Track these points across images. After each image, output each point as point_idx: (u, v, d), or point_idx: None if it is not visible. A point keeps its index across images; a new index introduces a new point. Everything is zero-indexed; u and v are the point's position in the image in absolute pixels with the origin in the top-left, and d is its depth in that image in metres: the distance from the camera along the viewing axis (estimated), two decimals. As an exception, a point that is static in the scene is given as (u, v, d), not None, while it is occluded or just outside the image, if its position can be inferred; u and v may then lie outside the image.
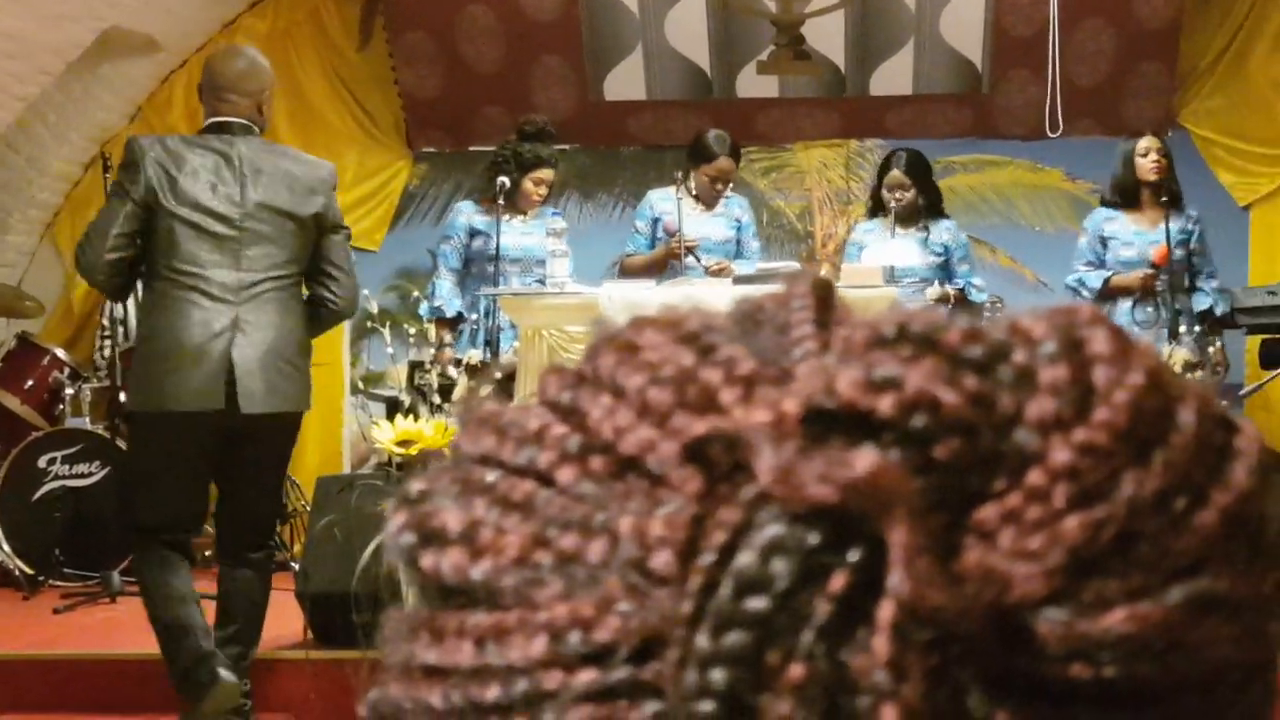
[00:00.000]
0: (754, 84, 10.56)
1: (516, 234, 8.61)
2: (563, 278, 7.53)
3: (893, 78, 10.59)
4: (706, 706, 0.50)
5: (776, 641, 0.50)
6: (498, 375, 7.11)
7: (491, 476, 0.61)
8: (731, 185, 9.19)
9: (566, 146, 10.77)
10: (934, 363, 0.54)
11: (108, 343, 9.47)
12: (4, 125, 9.33)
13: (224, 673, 5.60)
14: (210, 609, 5.94)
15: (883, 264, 8.05)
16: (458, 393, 7.87)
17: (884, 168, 9.15)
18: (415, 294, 10.10)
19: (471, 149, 10.64)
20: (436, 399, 7.87)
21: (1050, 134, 8.86)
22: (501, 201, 8.46)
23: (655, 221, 9.01)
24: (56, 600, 7.88)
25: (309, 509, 7.81)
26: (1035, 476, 0.53)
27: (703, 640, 0.51)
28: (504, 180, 8.48)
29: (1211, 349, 8.40)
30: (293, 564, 8.19)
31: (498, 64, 10.57)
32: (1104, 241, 8.73)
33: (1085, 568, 0.53)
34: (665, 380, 0.58)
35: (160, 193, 5.79)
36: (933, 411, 0.53)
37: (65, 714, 6.19)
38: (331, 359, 10.44)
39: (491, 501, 0.60)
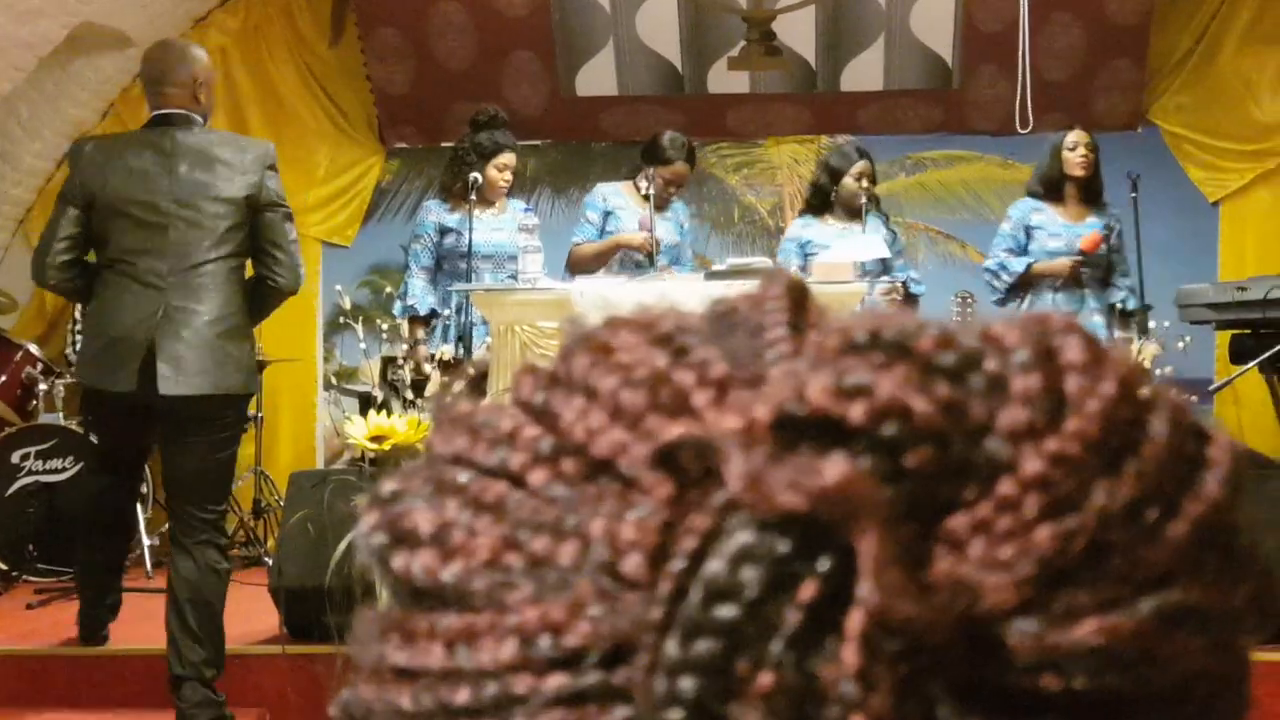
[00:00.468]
0: (725, 80, 10.57)
1: (487, 230, 8.59)
2: (535, 273, 7.51)
3: (863, 73, 10.61)
4: (675, 714, 0.50)
5: (745, 650, 0.50)
6: (471, 371, 7.11)
7: (464, 477, 0.60)
8: (680, 191, 9.16)
9: (538, 142, 10.79)
10: (906, 370, 0.54)
11: (80, 339, 9.44)
12: (-25, 120, 9.30)
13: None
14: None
15: (853, 259, 8.05)
16: (430, 388, 7.86)
17: (843, 162, 9.06)
18: (388, 289, 10.08)
19: (444, 145, 10.61)
20: (409, 394, 7.86)
21: (1020, 130, 8.85)
22: (474, 197, 8.44)
23: (608, 215, 8.97)
24: (30, 595, 7.86)
25: (282, 504, 7.79)
26: (1006, 486, 0.53)
27: (672, 648, 0.51)
28: (476, 176, 8.46)
29: (1122, 342, 8.37)
30: (266, 559, 8.18)
31: (469, 60, 10.57)
32: (1029, 231, 8.73)
33: (1056, 578, 0.52)
34: (638, 382, 0.58)
35: (96, 192, 6.06)
36: (904, 419, 0.53)
37: (39, 709, 6.18)
38: (304, 354, 10.44)
39: (463, 503, 0.60)
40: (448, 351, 8.36)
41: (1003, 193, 10.97)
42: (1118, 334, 8.41)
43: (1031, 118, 8.77)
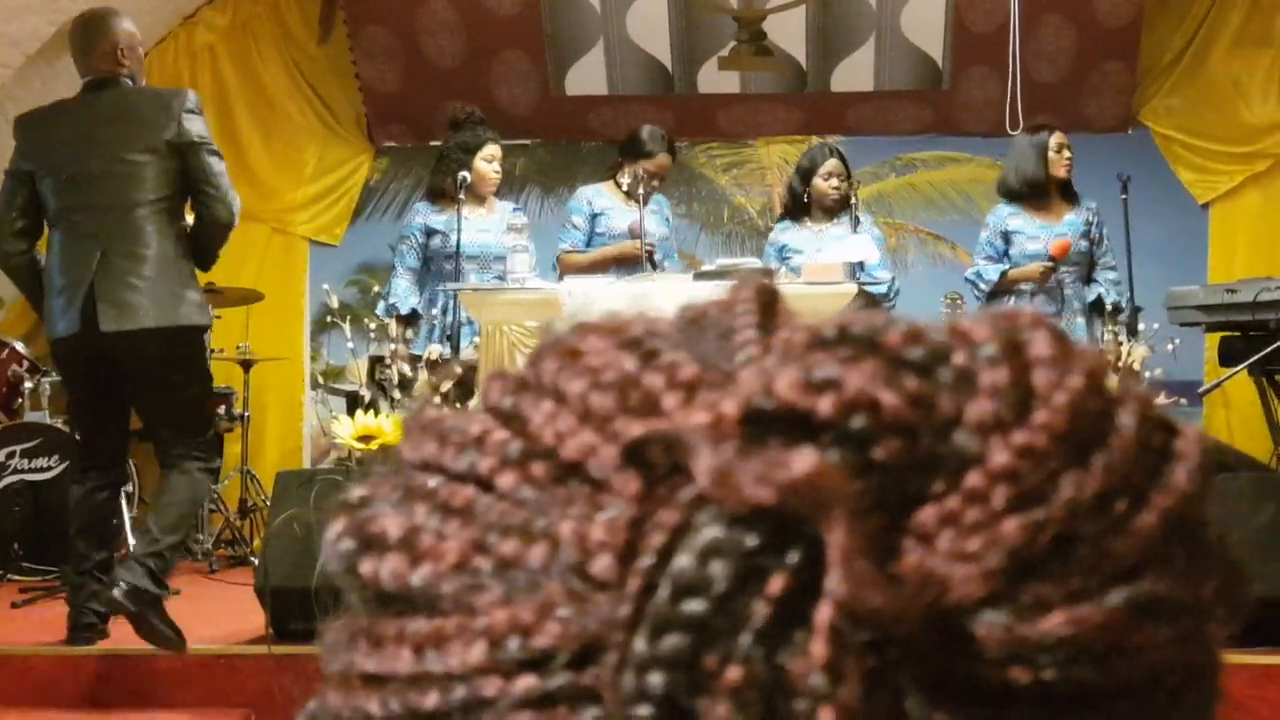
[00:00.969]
0: (715, 79, 10.58)
1: (474, 230, 8.57)
2: (523, 273, 7.51)
3: (854, 74, 10.62)
4: (644, 711, 0.50)
5: (714, 644, 0.50)
6: (458, 371, 7.11)
7: (432, 482, 0.60)
8: (662, 184, 9.17)
9: (527, 141, 10.79)
10: (874, 364, 0.54)
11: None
12: (-38, 118, 9.28)
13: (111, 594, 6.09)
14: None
15: (844, 260, 8.05)
16: (418, 388, 7.85)
17: (812, 162, 9.05)
18: (376, 288, 10.08)
19: (433, 144, 10.61)
20: (397, 394, 7.85)
21: (1011, 131, 8.86)
22: (463, 196, 8.43)
23: (595, 216, 8.96)
24: (15, 594, 7.84)
25: (268, 504, 7.79)
26: (974, 479, 0.53)
27: (640, 644, 0.50)
28: (465, 175, 8.46)
29: (1106, 339, 8.32)
30: (252, 559, 8.18)
31: (459, 59, 10.57)
32: (1006, 237, 8.67)
33: (1024, 570, 0.52)
34: (607, 385, 0.58)
35: (33, 161, 6.54)
36: (872, 412, 0.53)
37: (24, 708, 6.16)
38: (291, 353, 10.45)
39: (432, 507, 0.59)
40: (436, 351, 8.36)
41: (992, 194, 10.95)
42: (1100, 330, 8.38)
43: (1022, 119, 8.78)
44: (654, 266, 8.55)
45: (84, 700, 6.15)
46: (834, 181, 8.83)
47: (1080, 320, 8.55)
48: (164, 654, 6.20)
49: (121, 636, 6.52)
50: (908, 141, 10.93)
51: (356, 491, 0.63)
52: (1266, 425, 8.57)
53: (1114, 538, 0.54)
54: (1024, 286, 8.58)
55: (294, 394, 10.75)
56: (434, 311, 8.70)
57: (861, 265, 8.68)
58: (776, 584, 0.50)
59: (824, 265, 7.92)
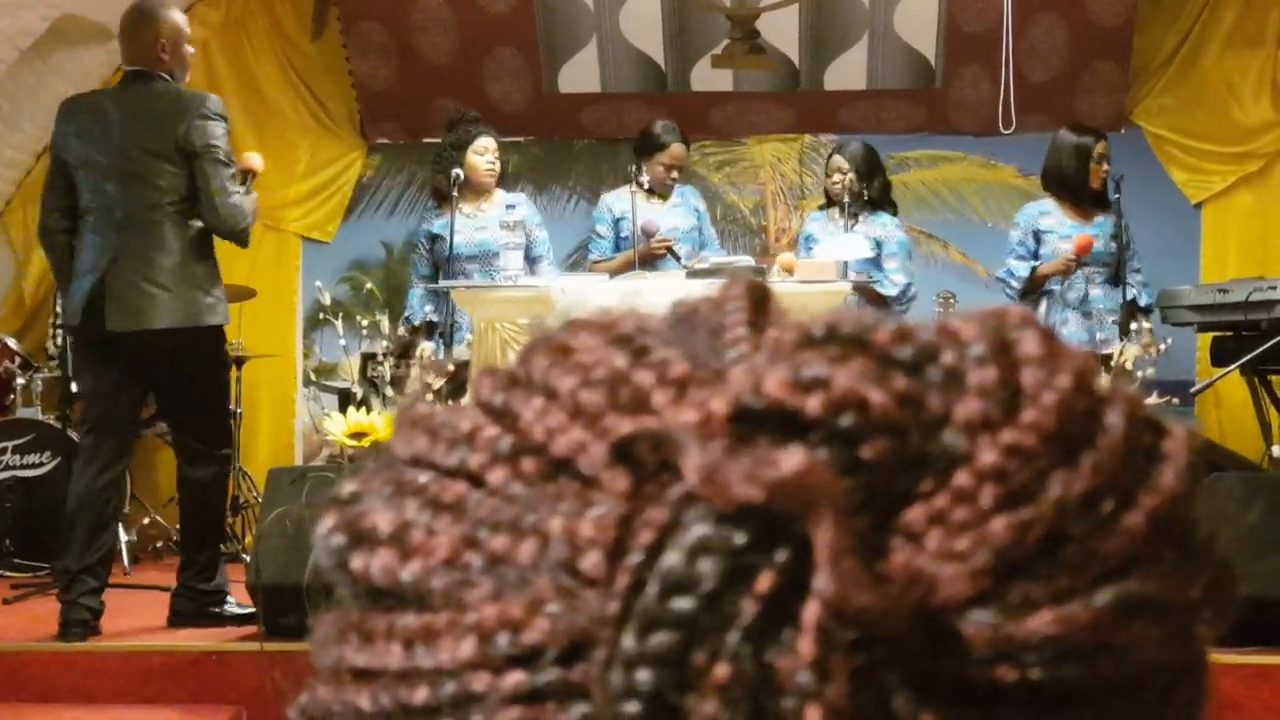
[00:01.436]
0: (708, 78, 10.57)
1: (471, 229, 8.56)
2: (516, 270, 7.51)
3: (847, 73, 10.61)
4: (632, 707, 0.50)
5: (702, 642, 0.50)
6: (451, 368, 7.10)
7: (423, 478, 0.60)
8: (681, 174, 9.19)
9: (520, 139, 10.77)
10: (863, 363, 0.54)
11: (59, 332, 9.43)
12: (-45, 113, 9.28)
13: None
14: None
15: (836, 258, 8.04)
16: (411, 386, 7.84)
17: (828, 160, 9.16)
18: (368, 285, 10.09)
19: (425, 141, 10.61)
20: (389, 391, 7.84)
21: (1003, 130, 8.87)
22: (456, 193, 8.43)
23: (617, 222, 8.98)
24: (7, 590, 7.83)
25: (260, 500, 7.79)
26: (962, 478, 0.53)
27: (629, 641, 0.51)
28: (457, 172, 8.46)
29: (1141, 335, 8.30)
30: (244, 556, 8.17)
31: (452, 56, 10.55)
32: (1038, 236, 8.69)
33: (1012, 569, 0.53)
34: (598, 382, 0.58)
35: (62, 150, 6.71)
36: (861, 411, 0.53)
37: (16, 704, 6.16)
38: (284, 350, 10.43)
39: (422, 503, 0.59)
40: (429, 348, 8.35)
41: (985, 193, 10.98)
42: (1136, 326, 8.34)
43: (1014, 118, 8.78)
44: (678, 260, 8.56)
45: (76, 697, 6.14)
46: (835, 177, 8.88)
47: (1111, 320, 8.54)
48: (156, 651, 6.21)
49: (114, 633, 6.52)
50: (900, 140, 10.90)
51: (348, 487, 0.63)
52: (1258, 425, 8.57)
53: (1102, 537, 0.54)
54: (1051, 284, 8.59)
55: (286, 391, 10.74)
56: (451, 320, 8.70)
57: (878, 263, 8.70)
58: (764, 582, 0.50)
59: (817, 263, 7.92)
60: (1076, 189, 8.62)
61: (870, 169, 8.98)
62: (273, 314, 10.45)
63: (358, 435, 6.23)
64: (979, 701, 0.52)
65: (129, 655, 6.21)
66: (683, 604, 0.50)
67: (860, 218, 8.90)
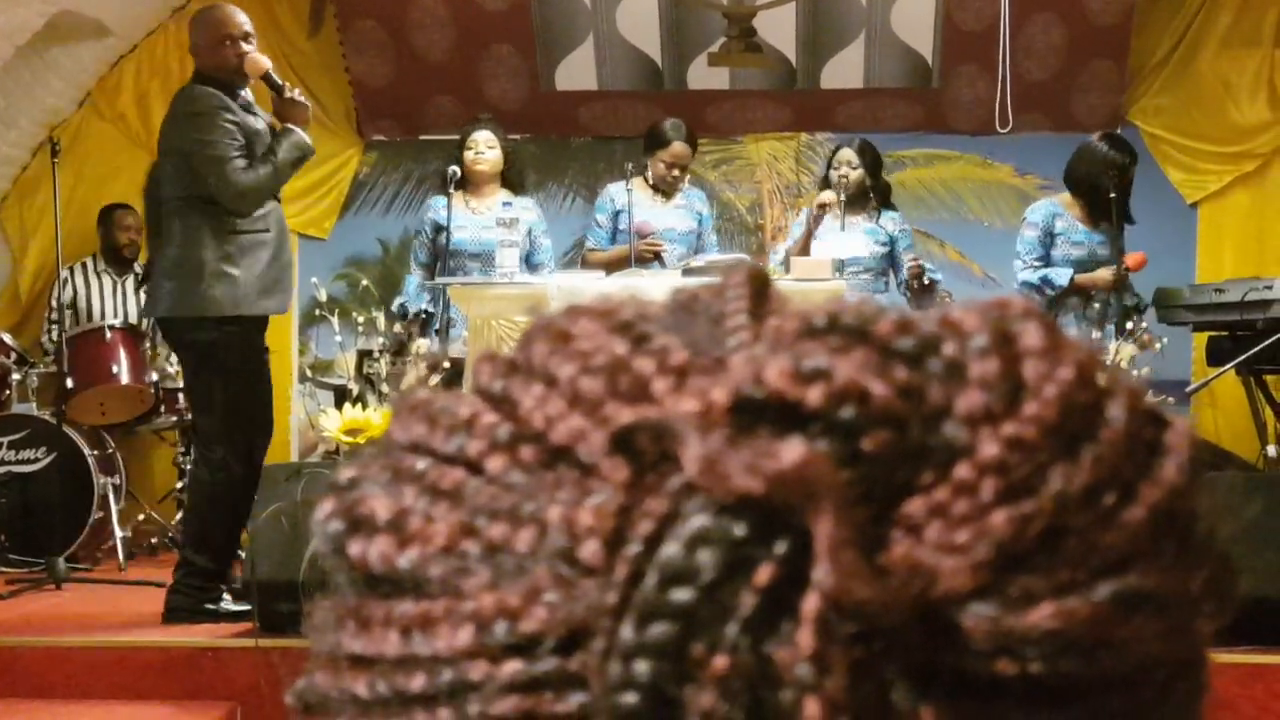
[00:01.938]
0: (705, 76, 10.57)
1: (477, 228, 8.57)
2: (511, 267, 7.51)
3: (843, 71, 10.62)
4: (630, 698, 0.50)
5: (701, 633, 0.50)
6: (446, 365, 7.10)
7: (421, 465, 0.60)
8: (688, 176, 9.18)
9: (517, 136, 10.75)
10: (864, 354, 0.54)
11: (55, 328, 9.42)
12: (-49, 109, 9.28)
13: None
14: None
15: (832, 256, 8.05)
16: (406, 382, 7.84)
17: (834, 153, 9.14)
18: (365, 282, 10.08)
19: (422, 138, 10.63)
20: (385, 388, 7.84)
21: (1000, 129, 8.87)
22: (452, 190, 8.43)
23: (617, 214, 8.97)
24: (1, 586, 7.83)
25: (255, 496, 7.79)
26: (963, 470, 0.53)
27: (627, 631, 0.50)
28: (455, 170, 8.46)
29: (1142, 335, 8.28)
30: (239, 551, 8.16)
31: (448, 53, 10.55)
32: (1051, 237, 8.63)
33: (1012, 563, 0.52)
34: (597, 369, 0.57)
35: None
36: (861, 403, 0.53)
37: (10, 699, 6.15)
38: (280, 346, 10.41)
39: (421, 489, 0.59)
40: (425, 345, 8.34)
41: (982, 192, 10.99)
42: (1131, 324, 8.32)
43: (1011, 117, 8.78)
44: (663, 265, 8.55)
45: (70, 692, 6.14)
46: (843, 170, 8.89)
47: (1111, 326, 8.51)
48: (151, 647, 6.21)
49: (108, 629, 6.52)
50: (897, 139, 10.90)
51: (346, 473, 0.63)
52: (1253, 424, 8.58)
53: (1102, 531, 0.54)
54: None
55: (282, 387, 10.67)
56: (436, 311, 8.69)
57: (892, 258, 8.73)
58: (764, 574, 0.50)
59: (813, 261, 7.92)
60: (1101, 200, 8.52)
61: (877, 166, 8.99)
62: (269, 310, 10.44)
63: (353, 432, 6.23)
64: (978, 694, 0.52)
65: (124, 651, 6.20)
66: (682, 595, 0.50)
67: (868, 214, 8.91)
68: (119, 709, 6.00)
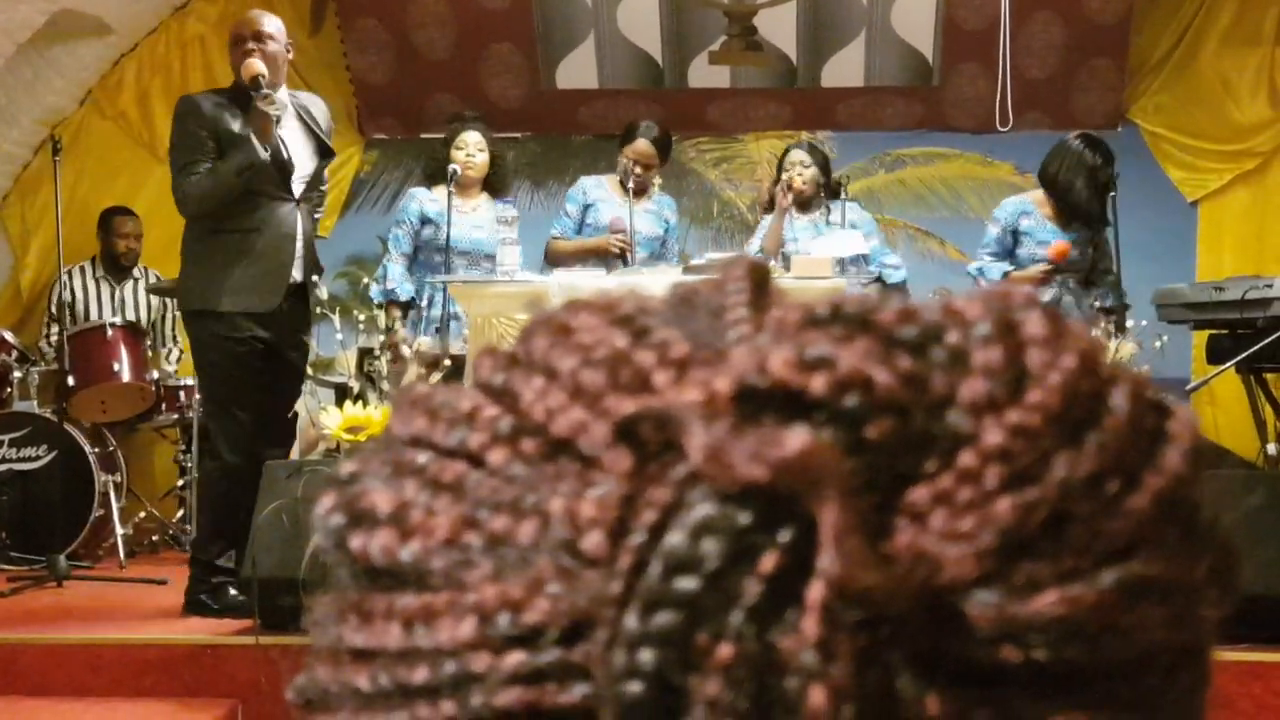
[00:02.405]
0: (706, 74, 10.58)
1: (468, 226, 8.56)
2: (512, 266, 7.51)
3: (844, 69, 10.62)
4: (634, 687, 0.50)
5: (705, 622, 0.50)
6: (448, 362, 7.11)
7: (422, 458, 0.60)
8: (659, 182, 9.16)
9: (517, 134, 10.76)
10: (867, 342, 0.54)
11: (55, 326, 9.43)
12: (-48, 107, 9.28)
13: None
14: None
15: (831, 254, 8.04)
16: (407, 380, 7.84)
17: (784, 154, 9.13)
18: (365, 280, 10.06)
19: (422, 136, 10.62)
20: (385, 385, 7.84)
21: (1000, 127, 8.88)
22: (451, 187, 8.43)
23: (586, 208, 8.96)
24: (2, 584, 7.83)
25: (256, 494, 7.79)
26: (967, 458, 0.53)
27: (631, 621, 0.50)
28: (454, 168, 8.46)
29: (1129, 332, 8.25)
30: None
31: (449, 51, 10.56)
32: (1016, 235, 8.56)
33: (1016, 550, 0.52)
34: (598, 362, 0.57)
35: None
36: (865, 391, 0.53)
37: (11, 697, 6.16)
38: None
39: (422, 483, 0.59)
40: (425, 343, 8.34)
41: (982, 190, 10.98)
42: (1095, 333, 8.30)
43: (1011, 115, 8.78)
44: (626, 263, 8.55)
45: (71, 690, 6.14)
46: (797, 170, 8.90)
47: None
48: (152, 644, 6.21)
49: (109, 626, 6.52)
50: (897, 137, 10.92)
51: (347, 467, 0.63)
52: (1253, 423, 8.58)
53: (1106, 518, 0.54)
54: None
55: (282, 385, 10.73)
56: (420, 304, 8.68)
57: (867, 259, 8.71)
58: (768, 562, 0.50)
59: (814, 259, 7.92)
60: (1072, 200, 8.45)
61: (826, 165, 9.01)
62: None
63: (354, 429, 6.24)
64: (983, 682, 0.52)
65: (125, 648, 6.21)
66: (686, 584, 0.50)
67: (831, 209, 8.89)
68: (120, 706, 6.01)
